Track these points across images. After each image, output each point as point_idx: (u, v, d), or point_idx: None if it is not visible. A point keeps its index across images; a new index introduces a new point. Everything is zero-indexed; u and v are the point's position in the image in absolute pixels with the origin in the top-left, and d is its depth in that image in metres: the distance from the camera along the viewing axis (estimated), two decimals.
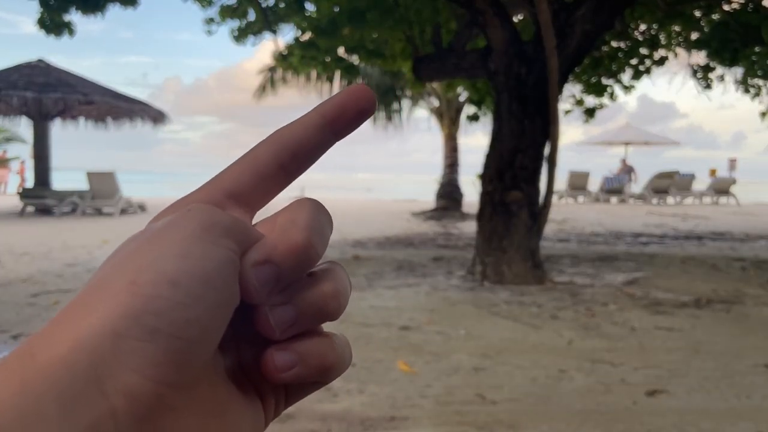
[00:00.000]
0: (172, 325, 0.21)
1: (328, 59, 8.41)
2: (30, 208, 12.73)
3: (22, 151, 21.92)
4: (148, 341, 0.21)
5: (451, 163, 15.08)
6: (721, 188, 19.83)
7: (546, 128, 5.57)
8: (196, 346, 0.22)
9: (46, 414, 0.19)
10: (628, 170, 20.83)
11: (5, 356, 0.21)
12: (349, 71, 9.22)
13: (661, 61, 9.54)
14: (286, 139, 0.27)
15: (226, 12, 7.85)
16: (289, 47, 8.58)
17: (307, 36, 8.03)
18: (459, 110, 14.94)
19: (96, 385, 0.20)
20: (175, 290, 0.22)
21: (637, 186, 21.10)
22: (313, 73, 14.08)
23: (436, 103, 15.33)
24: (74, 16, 5.67)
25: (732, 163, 22.27)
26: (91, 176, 12.87)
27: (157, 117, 13.63)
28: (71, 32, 5.74)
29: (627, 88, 10.12)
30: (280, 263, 0.24)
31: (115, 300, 0.21)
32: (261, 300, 0.24)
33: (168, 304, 0.21)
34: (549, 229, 8.17)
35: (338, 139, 0.28)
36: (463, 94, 13.89)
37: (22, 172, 23.98)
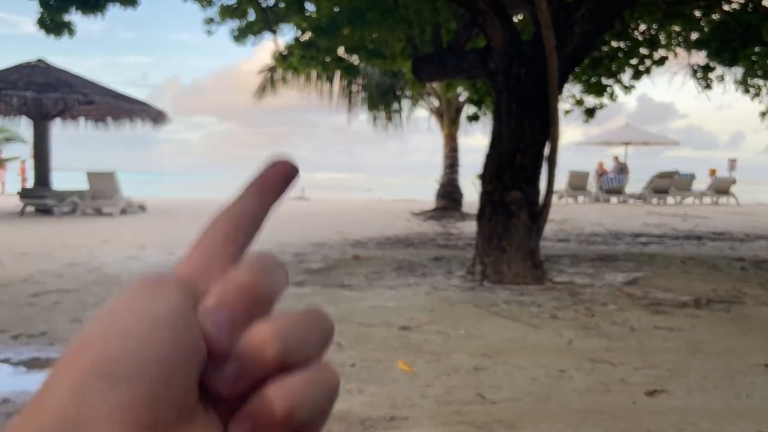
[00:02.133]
0: (130, 367, 0.21)
1: (328, 59, 8.41)
2: (30, 208, 12.74)
3: (23, 151, 21.95)
4: (110, 388, 0.21)
5: (451, 163, 15.09)
6: (721, 188, 19.85)
7: (546, 128, 5.57)
8: (163, 385, 0.22)
9: None
10: (621, 168, 20.82)
11: None
12: (349, 71, 9.24)
13: (661, 61, 9.56)
14: (227, 216, 0.28)
15: (226, 12, 7.85)
16: (289, 47, 8.58)
17: (307, 36, 8.04)
18: (459, 110, 14.95)
19: None
20: (125, 338, 0.22)
21: (630, 185, 21.09)
22: (313, 73, 14.08)
23: (435, 103, 15.33)
24: (74, 17, 5.67)
25: (732, 163, 22.28)
26: (91, 176, 12.89)
27: (157, 117, 13.65)
28: (71, 32, 5.74)
29: (627, 88, 10.13)
30: (230, 305, 0.24)
31: (69, 365, 0.22)
32: (226, 347, 0.24)
33: (120, 350, 0.22)
34: (549, 228, 8.17)
35: (272, 205, 0.29)
36: (463, 94, 13.89)
37: (23, 172, 24.00)
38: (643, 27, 8.90)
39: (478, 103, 9.86)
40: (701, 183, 20.71)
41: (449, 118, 14.99)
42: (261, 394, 0.24)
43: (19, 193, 13.91)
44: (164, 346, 0.22)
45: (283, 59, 8.56)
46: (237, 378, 0.24)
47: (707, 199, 19.90)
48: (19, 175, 24.08)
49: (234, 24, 8.13)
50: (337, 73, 12.40)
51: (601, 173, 20.90)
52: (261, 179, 0.29)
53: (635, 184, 21.80)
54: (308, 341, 0.26)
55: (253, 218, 0.28)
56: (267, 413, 0.24)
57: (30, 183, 15.89)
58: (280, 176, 0.29)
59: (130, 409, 0.21)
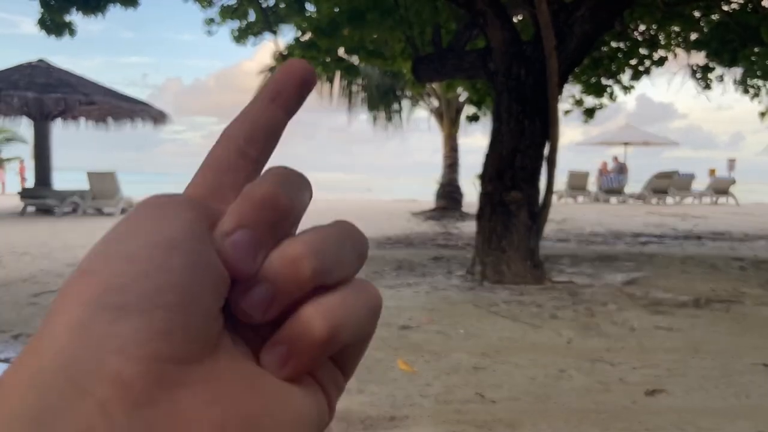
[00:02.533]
0: (141, 296, 0.19)
1: (328, 59, 8.43)
2: (31, 208, 12.75)
3: (24, 152, 21.99)
4: (120, 319, 0.19)
5: (451, 164, 15.11)
6: (721, 188, 19.86)
7: (545, 128, 5.58)
8: (180, 314, 0.20)
9: None
10: (620, 167, 20.83)
11: None
12: (349, 71, 9.26)
13: (661, 62, 9.57)
14: (237, 127, 0.26)
15: (227, 12, 7.87)
16: (290, 47, 8.60)
17: (307, 36, 8.05)
18: (459, 111, 14.96)
19: (72, 388, 0.18)
20: (132, 264, 0.20)
21: (630, 185, 21.13)
22: None
23: (435, 103, 15.35)
24: (75, 17, 5.69)
25: (731, 164, 22.27)
26: (92, 176, 12.90)
27: (157, 117, 13.66)
28: (72, 33, 5.75)
29: (626, 89, 10.15)
30: (251, 224, 0.22)
31: (69, 298, 0.20)
32: (251, 271, 0.22)
33: (129, 279, 0.20)
34: (548, 228, 8.18)
35: (289, 116, 0.26)
36: (463, 95, 13.91)
37: (21, 172, 24.03)
38: (642, 27, 8.92)
39: (477, 104, 9.88)
40: (700, 183, 20.73)
41: (449, 119, 15.01)
42: (299, 315, 0.22)
43: (19, 193, 13.93)
44: (178, 271, 0.20)
45: (283, 59, 8.57)
46: (271, 300, 0.22)
47: (706, 199, 19.92)
48: (17, 174, 24.12)
49: (234, 24, 8.16)
50: (338, 74, 12.41)
51: (604, 173, 20.93)
52: (274, 83, 0.26)
53: (635, 184, 21.82)
54: (344, 256, 0.24)
55: (268, 128, 0.26)
56: (307, 334, 0.22)
57: (29, 183, 15.91)
58: (294, 78, 0.26)
59: (146, 342, 0.19)
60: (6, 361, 3.50)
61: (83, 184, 13.12)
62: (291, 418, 0.22)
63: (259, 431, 0.20)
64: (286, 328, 0.22)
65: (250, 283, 0.22)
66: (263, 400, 0.21)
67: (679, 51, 9.80)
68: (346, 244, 0.24)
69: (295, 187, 0.24)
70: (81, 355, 0.18)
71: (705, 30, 8.24)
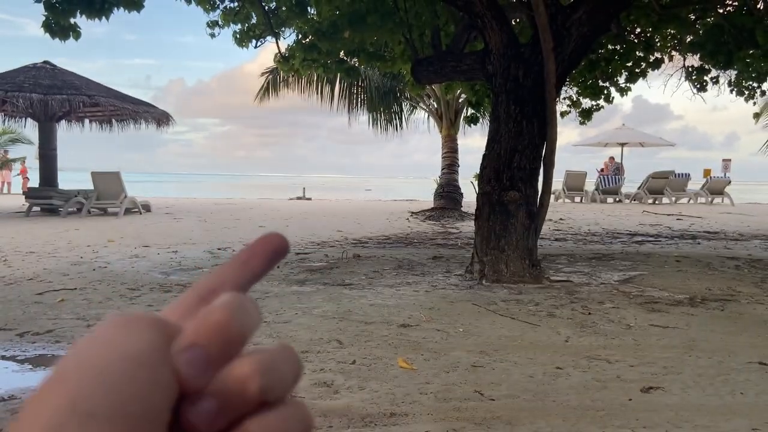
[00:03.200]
0: (106, 405, 0.21)
1: (329, 62, 8.45)
2: (36, 208, 12.76)
3: (29, 153, 21.93)
4: (86, 426, 0.21)
5: (450, 164, 15.13)
6: (716, 189, 19.89)
7: (543, 129, 5.62)
8: (138, 424, 0.22)
9: None
10: (616, 167, 20.85)
11: None
12: (350, 73, 9.28)
13: (657, 64, 9.61)
14: (206, 278, 0.29)
15: (229, 15, 7.90)
16: (291, 50, 8.63)
17: (308, 39, 8.08)
18: (458, 112, 14.99)
19: None
20: (101, 376, 0.22)
21: (626, 186, 21.14)
22: (314, 76, 14.13)
23: (435, 104, 15.38)
24: (79, 20, 5.70)
25: (726, 164, 22.24)
26: (96, 176, 12.92)
27: (161, 119, 13.67)
28: (77, 35, 5.77)
29: (622, 90, 10.18)
30: (205, 345, 0.24)
31: (44, 401, 0.22)
32: (201, 385, 0.24)
33: (97, 388, 0.22)
34: (546, 228, 8.22)
35: (256, 279, 0.29)
36: (462, 96, 13.94)
37: (23, 173, 23.97)
38: (638, 30, 8.96)
39: (476, 105, 9.91)
40: (696, 183, 20.75)
41: (448, 120, 15.03)
42: (244, 429, 0.24)
43: (24, 193, 13.93)
44: (140, 385, 0.22)
45: (284, 62, 8.60)
46: (217, 413, 0.24)
47: (702, 200, 19.96)
48: (19, 174, 24.05)
49: (237, 27, 8.19)
50: (338, 76, 12.43)
51: (605, 172, 20.95)
52: (250, 249, 0.29)
53: (630, 184, 21.85)
54: (285, 377, 0.26)
55: (232, 285, 0.28)
56: None
57: (33, 183, 15.91)
58: (268, 248, 0.29)
59: None
60: (11, 359, 3.52)
61: (88, 185, 13.15)
62: None
63: None
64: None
65: (198, 396, 0.24)
66: None
67: (675, 53, 9.85)
68: (287, 366, 0.26)
69: (246, 314, 0.26)
70: None
71: (700, 32, 8.27)
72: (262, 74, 15.98)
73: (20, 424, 0.22)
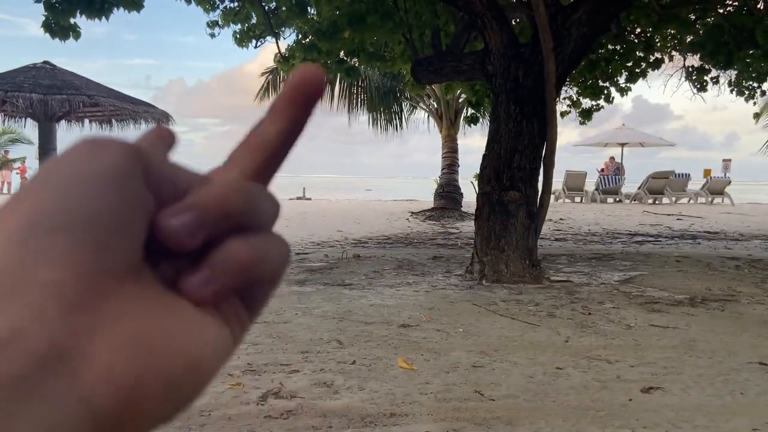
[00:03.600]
0: (74, 219, 0.20)
1: (329, 61, 8.46)
2: None
3: (29, 153, 21.97)
4: (53, 237, 0.20)
5: (450, 164, 15.14)
6: (716, 189, 19.91)
7: (543, 129, 5.62)
8: (109, 233, 0.21)
9: None
10: (616, 168, 20.87)
11: None
12: (350, 73, 9.29)
13: (657, 64, 9.62)
14: (243, 140, 0.27)
15: (229, 15, 7.91)
16: (291, 50, 8.64)
17: (308, 39, 8.09)
18: (458, 112, 15.01)
19: (6, 293, 0.19)
20: (65, 191, 0.21)
21: (626, 186, 21.18)
22: None
23: (435, 104, 15.39)
24: (79, 20, 5.71)
25: (726, 164, 22.25)
26: None
27: (161, 119, 13.68)
28: (77, 35, 5.78)
29: (622, 90, 10.20)
30: (201, 210, 0.24)
31: (2, 219, 0.21)
32: (185, 246, 0.24)
33: (61, 202, 0.21)
34: (546, 228, 8.22)
35: (299, 129, 0.28)
36: (462, 96, 13.96)
37: (22, 172, 24.00)
38: (638, 30, 8.96)
39: (476, 105, 9.92)
40: (696, 184, 20.77)
41: (448, 120, 15.05)
42: (225, 244, 0.24)
43: None
44: (108, 198, 0.21)
45: (284, 61, 8.61)
46: (199, 224, 0.23)
47: (702, 200, 19.98)
48: (17, 174, 24.09)
49: (237, 27, 8.20)
50: (338, 76, 12.43)
51: (605, 172, 20.97)
52: (282, 95, 0.27)
53: (631, 184, 21.88)
54: (265, 208, 0.26)
55: (270, 143, 0.27)
56: (231, 259, 0.24)
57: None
58: (302, 89, 0.27)
59: (78, 255, 0.20)
60: None
61: None
62: (199, 341, 0.23)
63: (169, 348, 0.22)
64: (212, 255, 0.24)
65: (177, 209, 0.23)
66: (176, 322, 0.23)
67: (675, 53, 9.86)
68: (267, 200, 0.26)
69: (258, 200, 0.25)
70: (16, 266, 0.19)
71: (700, 32, 8.29)
72: (262, 74, 16.00)
73: None
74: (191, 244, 0.23)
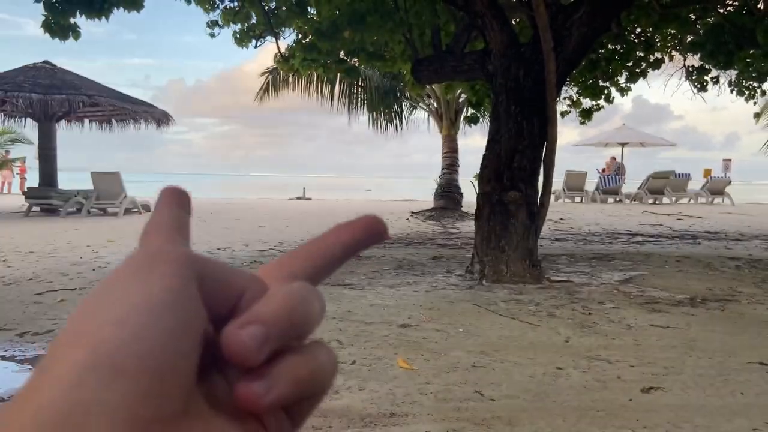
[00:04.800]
0: (129, 359, 0.20)
1: (329, 61, 8.46)
2: (35, 208, 12.79)
3: (29, 152, 21.99)
4: (110, 382, 0.20)
5: (450, 164, 15.14)
6: (717, 189, 19.91)
7: (543, 129, 5.62)
8: (165, 376, 0.21)
9: None
10: (617, 167, 20.87)
11: None
12: (350, 73, 9.29)
13: (657, 64, 9.62)
14: (297, 253, 0.29)
15: (229, 15, 7.91)
16: (291, 50, 8.64)
17: (308, 39, 8.08)
18: (458, 112, 15.01)
19: None
20: (120, 328, 0.21)
21: (626, 186, 21.19)
22: (314, 75, 14.14)
23: (435, 104, 15.39)
24: (79, 20, 5.71)
25: (726, 164, 22.24)
26: (96, 176, 12.94)
27: (161, 119, 13.68)
28: (76, 35, 5.78)
29: (623, 90, 10.20)
30: (268, 324, 0.24)
31: (62, 357, 0.20)
32: (255, 363, 0.23)
33: (119, 341, 0.20)
34: (546, 228, 8.21)
35: (347, 257, 0.29)
36: (462, 96, 13.96)
37: (22, 172, 24.02)
38: (638, 30, 8.96)
39: (476, 105, 9.91)
40: (696, 184, 20.77)
41: (448, 120, 15.04)
42: (286, 356, 0.25)
43: (24, 192, 13.97)
44: (165, 334, 0.21)
45: (284, 61, 8.61)
46: (266, 340, 0.23)
47: (702, 200, 19.98)
48: (17, 174, 24.10)
49: (237, 27, 8.19)
50: (338, 76, 12.44)
51: (606, 172, 20.97)
52: (347, 225, 0.29)
53: (631, 184, 21.88)
54: (319, 315, 0.26)
55: (334, 257, 0.29)
56: (293, 372, 0.24)
57: (33, 183, 15.96)
58: (366, 228, 0.29)
59: (132, 404, 0.20)
60: (11, 359, 3.52)
61: (87, 185, 13.17)
62: None
63: None
64: (274, 366, 0.24)
65: (242, 323, 0.23)
66: None
67: (675, 53, 9.86)
68: (320, 304, 0.27)
69: (310, 304, 0.26)
70: (74, 414, 0.19)
71: (700, 32, 8.29)
72: (262, 74, 15.99)
73: (35, 382, 0.20)
74: (258, 358, 0.23)
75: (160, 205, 0.28)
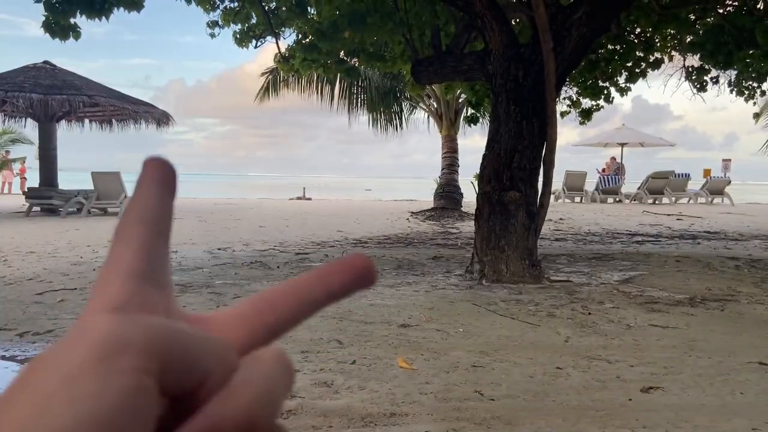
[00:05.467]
0: None
1: (329, 62, 8.47)
2: (36, 208, 12.79)
3: (29, 152, 22.00)
4: None
5: (450, 164, 15.15)
6: (716, 189, 19.92)
7: (543, 129, 5.63)
8: None
9: None
10: (617, 167, 20.87)
11: None
12: (350, 73, 9.30)
13: (656, 64, 9.62)
14: (274, 293, 0.27)
15: (229, 15, 7.92)
16: (291, 50, 8.65)
17: (308, 39, 8.09)
18: (458, 112, 15.02)
19: None
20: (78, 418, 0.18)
21: (626, 186, 21.19)
22: (315, 76, 14.15)
23: (435, 105, 15.40)
24: (79, 20, 5.72)
25: (726, 164, 22.24)
26: (97, 176, 12.95)
27: (161, 119, 13.69)
28: (77, 35, 5.78)
29: (622, 91, 10.20)
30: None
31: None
32: None
33: None
34: (546, 228, 8.22)
35: (331, 301, 0.27)
36: (462, 96, 13.97)
37: (22, 172, 24.02)
38: (638, 30, 8.97)
39: (476, 105, 9.92)
40: (696, 184, 20.78)
41: (448, 120, 15.06)
42: None
43: (24, 193, 13.98)
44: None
45: (285, 62, 8.62)
46: None
47: (702, 200, 19.98)
48: (17, 174, 24.10)
49: (237, 27, 8.21)
50: (338, 76, 12.44)
51: (606, 172, 20.97)
52: (332, 266, 0.27)
53: (630, 184, 21.88)
54: (283, 397, 0.24)
55: (301, 302, 0.27)
56: None
57: (33, 183, 15.96)
58: (352, 270, 0.27)
59: None
60: (11, 359, 3.52)
61: (88, 185, 13.18)
62: None
63: None
64: None
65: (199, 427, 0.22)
66: None
67: (675, 53, 9.86)
68: (288, 379, 0.25)
69: (278, 404, 0.24)
70: None
71: (700, 32, 8.29)
72: (262, 74, 16.00)
73: None
74: None
75: (142, 186, 0.26)
